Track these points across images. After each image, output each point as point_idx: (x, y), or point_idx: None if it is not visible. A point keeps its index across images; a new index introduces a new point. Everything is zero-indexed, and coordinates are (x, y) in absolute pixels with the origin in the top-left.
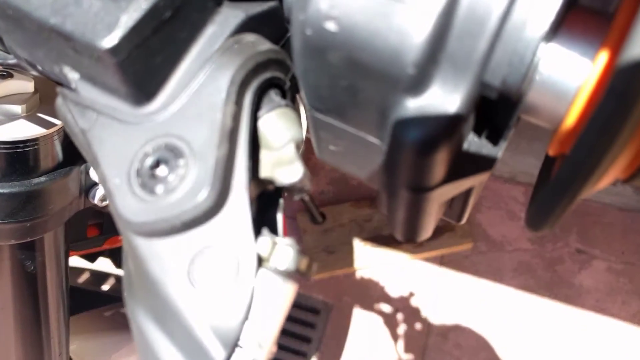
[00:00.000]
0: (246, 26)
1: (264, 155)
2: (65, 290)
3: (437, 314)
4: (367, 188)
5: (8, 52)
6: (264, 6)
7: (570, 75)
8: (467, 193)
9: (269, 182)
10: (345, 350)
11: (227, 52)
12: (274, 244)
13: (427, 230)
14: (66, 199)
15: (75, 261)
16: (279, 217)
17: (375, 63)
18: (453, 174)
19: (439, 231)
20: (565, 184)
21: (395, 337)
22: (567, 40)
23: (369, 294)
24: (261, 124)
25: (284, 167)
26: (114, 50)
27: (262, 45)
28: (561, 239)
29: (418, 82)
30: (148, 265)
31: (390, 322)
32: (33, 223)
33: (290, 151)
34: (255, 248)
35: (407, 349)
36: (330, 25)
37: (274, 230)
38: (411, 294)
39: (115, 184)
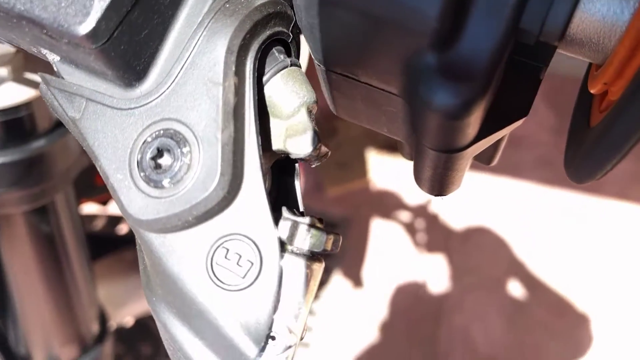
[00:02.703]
0: None
1: (274, 125)
2: (83, 242)
3: (457, 216)
4: None
5: None
6: None
7: (620, 5)
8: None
9: (283, 152)
10: (367, 261)
11: (220, 14)
12: (296, 225)
13: (457, 184)
14: (70, 158)
15: (89, 207)
16: (297, 186)
17: (394, 16)
18: (486, 129)
19: None
20: (623, 138)
21: (416, 243)
22: None
23: (386, 204)
24: (268, 89)
25: (297, 136)
26: (92, 35)
27: (261, 2)
28: None
29: (444, 36)
30: (165, 262)
31: (410, 229)
32: (41, 188)
33: (303, 118)
34: (276, 234)
35: (429, 255)
36: None
37: (292, 200)
38: (429, 200)
39: (118, 179)
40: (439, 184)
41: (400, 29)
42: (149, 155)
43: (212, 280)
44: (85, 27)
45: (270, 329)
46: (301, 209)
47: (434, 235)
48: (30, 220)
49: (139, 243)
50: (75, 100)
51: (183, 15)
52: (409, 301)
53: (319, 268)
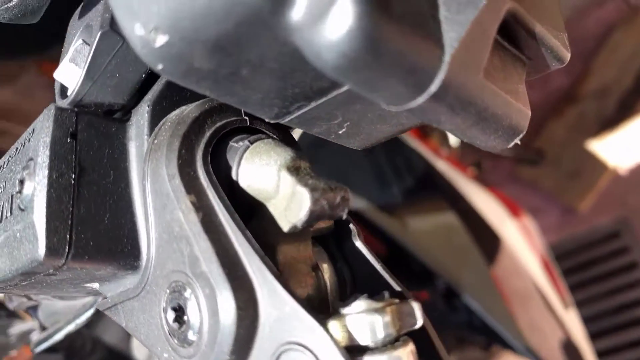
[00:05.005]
0: (160, 110)
1: (273, 209)
2: None
3: None
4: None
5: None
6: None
7: None
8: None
9: (295, 229)
10: None
11: (152, 154)
12: (343, 321)
13: (515, 111)
14: None
15: None
16: (359, 245)
17: (234, 28)
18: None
19: None
20: None
21: None
22: None
23: None
24: (242, 181)
25: (291, 204)
26: (51, 254)
27: (185, 113)
28: None
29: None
30: None
31: None
32: None
33: (286, 180)
34: (330, 339)
35: None
36: (159, 39)
37: (357, 257)
38: None
39: (166, 358)
40: (494, 126)
41: (247, 23)
42: (171, 320)
43: None
44: (41, 250)
45: None
46: (377, 267)
47: None
48: None
49: None
50: (117, 311)
51: (134, 179)
52: None
53: (404, 353)
